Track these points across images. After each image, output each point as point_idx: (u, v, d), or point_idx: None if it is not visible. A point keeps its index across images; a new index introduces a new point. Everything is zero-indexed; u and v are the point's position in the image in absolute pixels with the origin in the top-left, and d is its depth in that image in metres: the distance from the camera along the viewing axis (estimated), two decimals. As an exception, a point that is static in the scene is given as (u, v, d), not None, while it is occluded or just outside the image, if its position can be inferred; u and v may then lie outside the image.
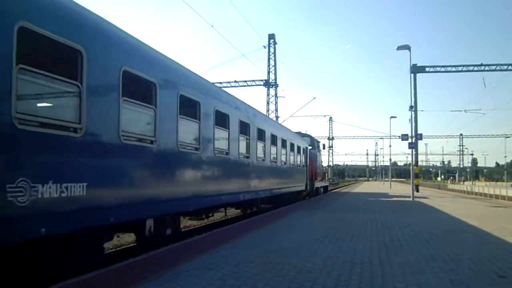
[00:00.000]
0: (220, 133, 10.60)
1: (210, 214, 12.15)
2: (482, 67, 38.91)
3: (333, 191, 39.45)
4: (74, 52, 5.25)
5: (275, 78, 44.54)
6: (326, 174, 41.87)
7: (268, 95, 44.94)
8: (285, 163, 18.34)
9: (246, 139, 12.76)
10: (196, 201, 9.05)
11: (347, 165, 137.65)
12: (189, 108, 8.70)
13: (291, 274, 5.17)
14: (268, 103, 44.99)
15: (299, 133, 24.83)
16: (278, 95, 45.05)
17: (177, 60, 8.74)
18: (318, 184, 27.24)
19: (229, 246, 7.19)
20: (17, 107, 4.34)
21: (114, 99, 6.13)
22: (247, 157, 12.76)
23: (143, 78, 6.94)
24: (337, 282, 4.85)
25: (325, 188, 33.10)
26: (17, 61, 4.32)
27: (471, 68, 39.40)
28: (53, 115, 5.13)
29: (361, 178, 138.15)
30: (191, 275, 5.10)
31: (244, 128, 12.42)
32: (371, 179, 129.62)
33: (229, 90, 40.77)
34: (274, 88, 44.73)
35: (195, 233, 11.22)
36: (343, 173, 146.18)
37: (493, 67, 39.00)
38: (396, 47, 24.77)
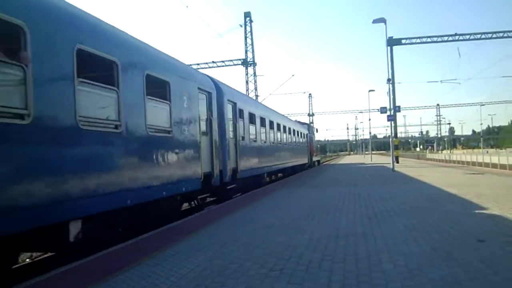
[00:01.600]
0: (261, 129, 17.38)
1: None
2: (457, 37, 39.30)
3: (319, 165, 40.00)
4: None
5: (253, 57, 44.19)
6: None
7: (246, 74, 44.64)
8: (295, 146, 27.05)
9: (277, 132, 20.94)
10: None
11: (328, 140, 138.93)
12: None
13: (278, 251, 5.23)
14: (247, 82, 44.74)
15: (299, 122, 36.07)
16: (256, 74, 44.82)
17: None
18: (315, 158, 38.96)
19: (214, 227, 7.22)
20: None
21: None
22: (279, 143, 21.43)
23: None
24: (323, 256, 4.93)
25: (318, 161, 44.33)
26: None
27: (445, 38, 39.76)
28: None
29: (343, 153, 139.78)
30: (178, 257, 5.12)
31: (270, 124, 19.34)
32: (352, 153, 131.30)
33: (207, 71, 40.37)
34: (252, 67, 44.43)
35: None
36: (324, 148, 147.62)
37: (467, 37, 39.43)
38: (371, 20, 24.80)
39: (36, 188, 4.94)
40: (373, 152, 75.41)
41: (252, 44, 43.92)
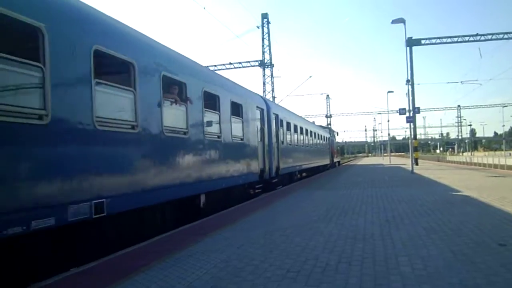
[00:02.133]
0: (294, 135, 20.69)
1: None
2: (478, 37, 38.58)
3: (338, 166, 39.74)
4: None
5: (270, 58, 44.18)
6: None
7: (264, 75, 44.68)
8: (320, 148, 30.74)
9: (306, 135, 24.41)
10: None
11: (345, 142, 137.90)
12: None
13: (295, 253, 5.23)
14: (264, 83, 44.76)
15: (322, 127, 40.20)
16: (274, 75, 44.83)
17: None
18: (335, 159, 43.03)
19: (231, 228, 7.25)
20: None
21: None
22: (307, 146, 24.68)
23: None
24: (339, 258, 4.90)
25: (339, 162, 48.16)
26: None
27: (466, 38, 39.08)
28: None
29: (360, 154, 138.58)
30: (193, 259, 5.15)
31: (301, 130, 22.73)
32: (370, 155, 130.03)
33: (225, 73, 40.62)
34: (269, 68, 44.43)
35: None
36: (342, 150, 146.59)
37: (489, 37, 38.67)
38: (390, 21, 24.57)
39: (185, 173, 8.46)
40: (392, 154, 74.44)
41: (269, 45, 43.94)
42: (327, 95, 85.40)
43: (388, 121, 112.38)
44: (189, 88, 8.78)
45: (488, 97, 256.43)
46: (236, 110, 11.84)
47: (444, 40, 39.51)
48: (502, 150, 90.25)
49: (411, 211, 8.56)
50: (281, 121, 17.54)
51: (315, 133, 28.46)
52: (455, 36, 39.59)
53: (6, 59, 4.41)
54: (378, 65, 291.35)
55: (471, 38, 38.85)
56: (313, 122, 38.94)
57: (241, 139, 12.07)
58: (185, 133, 8.51)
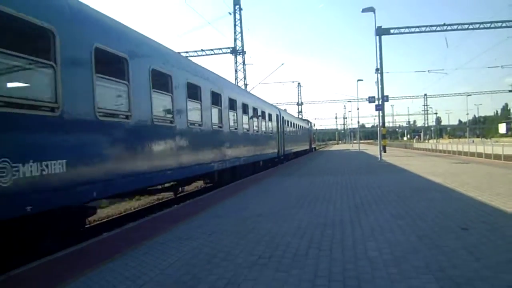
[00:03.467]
0: (290, 128, 30.59)
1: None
2: (445, 27, 39.52)
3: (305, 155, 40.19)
4: None
5: (242, 45, 43.91)
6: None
7: (235, 63, 44.41)
8: (304, 137, 41.13)
9: (296, 128, 33.85)
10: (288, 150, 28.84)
11: (316, 129, 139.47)
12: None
13: (266, 240, 5.29)
14: (236, 71, 44.51)
15: (304, 120, 51.33)
16: (246, 63, 44.63)
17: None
18: (313, 146, 54.53)
19: (203, 216, 7.25)
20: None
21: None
22: (298, 135, 34.76)
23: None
24: (309, 244, 4.99)
25: (315, 148, 58.83)
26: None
27: (434, 28, 39.94)
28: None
29: (331, 142, 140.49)
30: (166, 246, 5.14)
31: (293, 125, 32.65)
32: (340, 142, 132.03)
33: (197, 59, 40.16)
34: (241, 55, 44.18)
35: (168, 205, 11.27)
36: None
37: (455, 27, 39.68)
38: (361, 10, 24.80)
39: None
40: (361, 141, 75.93)
41: (241, 32, 43.62)
42: (299, 83, 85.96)
43: (358, 109, 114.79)
44: (251, 108, 17.55)
45: (454, 86, 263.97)
46: (268, 117, 21.61)
47: (412, 29, 40.24)
48: (466, 137, 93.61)
49: (379, 197, 8.78)
50: (283, 120, 26.82)
51: (301, 126, 38.93)
52: (423, 26, 40.38)
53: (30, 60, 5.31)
54: (348, 53, 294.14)
55: (438, 28, 39.74)
56: (300, 117, 54.01)
57: (271, 132, 22.46)
58: (248, 130, 16.88)
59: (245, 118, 16.49)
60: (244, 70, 44.61)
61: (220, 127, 13.01)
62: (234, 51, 44.09)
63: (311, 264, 4.19)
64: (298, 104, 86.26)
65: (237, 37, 43.74)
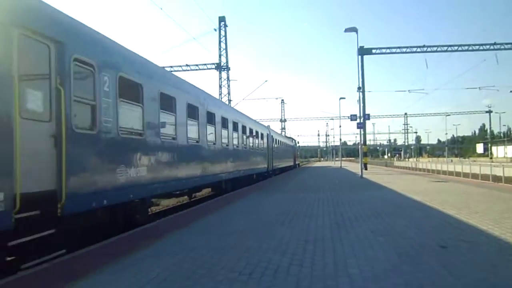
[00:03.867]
0: (277, 145, 34.04)
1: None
2: (425, 48, 40.69)
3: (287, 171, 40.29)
4: None
5: (227, 61, 44.25)
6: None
7: (220, 78, 44.63)
8: (289, 154, 45.30)
9: (282, 146, 38.33)
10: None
11: (299, 146, 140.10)
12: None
13: (247, 256, 5.25)
14: (220, 86, 44.72)
15: (289, 138, 54.62)
16: (230, 79, 44.92)
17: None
18: (297, 162, 56.76)
19: (185, 231, 7.17)
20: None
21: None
22: (284, 153, 38.84)
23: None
24: (291, 261, 4.98)
25: (299, 164, 60.43)
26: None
27: (414, 49, 41.10)
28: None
29: (313, 159, 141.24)
30: (146, 262, 5.05)
31: (280, 143, 36.11)
32: (322, 159, 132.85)
33: (181, 74, 40.19)
34: (226, 71, 44.46)
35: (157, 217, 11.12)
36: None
37: (435, 48, 40.89)
38: (344, 30, 25.32)
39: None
40: (343, 158, 76.61)
41: (226, 48, 44.00)
42: (282, 100, 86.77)
43: (340, 126, 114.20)
44: (248, 129, 20.55)
45: (434, 106, 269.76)
46: (255, 136, 22.90)
47: (394, 50, 41.28)
48: (444, 156, 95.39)
49: (360, 214, 8.84)
50: (272, 138, 29.82)
51: (287, 144, 43.44)
52: (404, 47, 41.51)
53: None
54: (332, 71, 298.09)
55: (418, 49, 40.89)
56: (284, 134, 56.12)
57: (262, 150, 25.21)
58: (245, 146, 19.93)
59: (244, 138, 19.71)
60: (229, 86, 44.88)
61: (227, 145, 15.97)
62: (218, 67, 44.34)
63: (292, 281, 4.17)
64: (281, 120, 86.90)
65: (222, 53, 44.06)
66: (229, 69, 44.53)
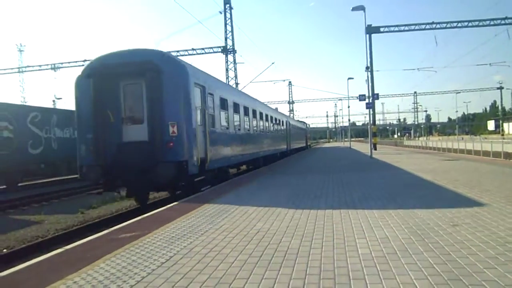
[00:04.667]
0: (293, 130, 38.67)
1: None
2: (434, 25, 39.81)
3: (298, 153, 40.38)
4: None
5: (233, 44, 43.83)
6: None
7: (226, 61, 44.34)
8: (301, 137, 48.87)
9: (296, 130, 42.79)
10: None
11: (309, 128, 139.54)
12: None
13: (257, 238, 5.28)
14: (227, 69, 44.43)
15: (302, 122, 60.92)
16: (236, 62, 44.61)
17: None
18: (308, 143, 63.76)
19: (195, 215, 7.22)
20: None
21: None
22: (298, 134, 45.10)
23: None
24: (301, 242, 5.00)
25: (310, 145, 67.59)
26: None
27: (423, 26, 40.23)
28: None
29: (322, 140, 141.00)
30: (158, 246, 5.10)
31: (294, 127, 40.30)
32: (331, 140, 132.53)
33: (187, 59, 40.20)
34: (232, 54, 44.13)
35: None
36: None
37: (444, 25, 39.99)
38: (351, 8, 24.89)
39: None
40: (352, 139, 76.37)
41: (232, 31, 43.53)
42: (290, 82, 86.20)
43: (349, 107, 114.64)
44: (274, 119, 27.15)
45: (443, 84, 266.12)
46: (282, 123, 30.65)
47: (402, 28, 40.45)
48: (455, 134, 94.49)
49: (370, 194, 8.82)
50: (290, 124, 35.73)
51: (300, 127, 48.98)
52: (412, 24, 40.66)
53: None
54: (339, 52, 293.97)
55: (427, 26, 40.03)
56: (300, 120, 62.82)
57: (283, 134, 30.85)
58: (275, 121, 27.15)
59: (272, 126, 26.07)
60: (235, 69, 44.56)
61: (262, 132, 22.03)
62: (225, 50, 44.02)
63: (302, 262, 4.19)
64: (289, 102, 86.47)
65: (228, 36, 43.65)
66: (236, 52, 44.21)
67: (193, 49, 45.74)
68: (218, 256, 4.55)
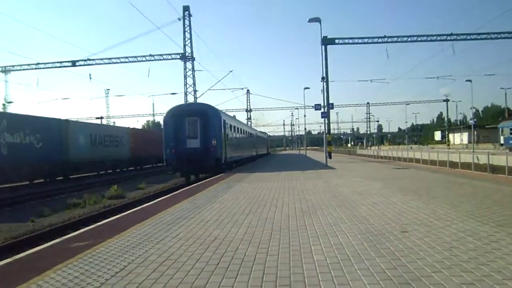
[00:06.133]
0: (258, 140, 51.89)
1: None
2: (385, 39, 41.56)
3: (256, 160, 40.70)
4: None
5: (192, 52, 43.73)
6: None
7: (185, 69, 44.08)
8: (264, 145, 63.36)
9: (249, 137, 39.87)
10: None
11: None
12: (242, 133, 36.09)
13: (214, 246, 5.26)
14: (185, 77, 44.17)
15: (263, 132, 71.69)
16: (195, 69, 44.45)
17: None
18: (269, 150, 78.27)
19: (150, 223, 7.09)
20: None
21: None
22: (262, 143, 57.78)
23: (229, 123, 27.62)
24: (258, 249, 5.03)
25: (270, 152, 78.24)
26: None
27: (375, 40, 41.89)
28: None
29: (279, 148, 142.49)
30: (111, 255, 4.96)
31: (259, 137, 52.60)
32: (287, 148, 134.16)
33: (145, 64, 39.81)
34: (191, 62, 43.93)
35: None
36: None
37: (395, 39, 41.84)
38: (307, 20, 25.50)
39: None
40: (308, 147, 77.81)
41: (190, 38, 43.42)
42: (247, 90, 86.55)
43: (305, 116, 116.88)
44: (256, 136, 47.33)
45: (394, 95, 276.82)
46: (264, 137, 65.30)
47: (356, 40, 41.94)
48: (404, 144, 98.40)
49: (323, 202, 9.02)
50: (257, 135, 46.15)
51: (263, 137, 60.80)
52: (366, 37, 42.26)
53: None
54: (296, 62, 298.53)
55: (380, 40, 41.73)
56: (262, 131, 72.30)
57: (265, 143, 64.67)
58: (250, 135, 40.39)
59: (250, 138, 38.56)
60: (194, 76, 44.39)
61: (246, 142, 33.76)
62: (183, 57, 43.73)
63: (259, 269, 4.21)
64: (247, 110, 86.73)
65: (187, 43, 43.45)
66: (194, 60, 44.07)
67: (151, 55, 45.25)
68: (175, 264, 4.49)
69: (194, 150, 20.63)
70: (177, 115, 21.41)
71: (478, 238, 5.24)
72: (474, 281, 3.64)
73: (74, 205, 14.18)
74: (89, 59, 45.78)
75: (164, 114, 23.05)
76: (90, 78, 48.98)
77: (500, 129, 47.00)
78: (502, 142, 45.52)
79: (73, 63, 45.79)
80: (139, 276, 4.09)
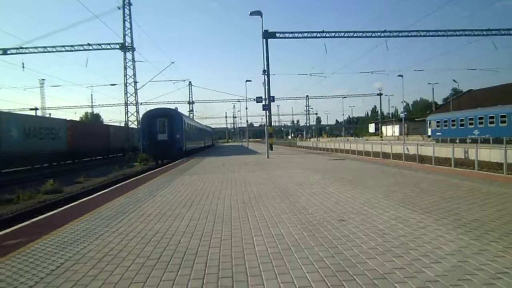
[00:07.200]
0: (203, 133, 57.18)
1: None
2: (324, 34, 42.69)
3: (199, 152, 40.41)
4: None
5: (132, 42, 42.44)
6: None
7: (125, 59, 42.62)
8: (209, 137, 70.38)
9: (200, 131, 49.93)
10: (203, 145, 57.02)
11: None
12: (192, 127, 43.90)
13: (155, 240, 5.20)
14: (125, 67, 42.75)
15: (209, 127, 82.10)
16: (135, 60, 43.15)
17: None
18: (214, 142, 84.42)
19: (89, 218, 6.84)
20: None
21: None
22: (207, 136, 62.83)
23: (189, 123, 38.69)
24: (200, 242, 5.04)
25: (214, 144, 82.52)
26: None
27: (314, 34, 42.89)
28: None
29: (221, 140, 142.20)
30: (47, 252, 4.74)
31: (199, 130, 50.10)
32: (230, 140, 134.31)
33: (83, 53, 37.92)
34: (131, 52, 42.55)
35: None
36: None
37: (333, 34, 43.12)
38: (249, 13, 25.56)
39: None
40: (250, 140, 78.59)
41: (130, 28, 42.05)
42: (190, 82, 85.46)
43: (246, 108, 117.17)
44: (205, 130, 58.47)
45: (332, 89, 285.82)
46: (209, 129, 72.56)
47: (296, 34, 42.72)
48: (341, 136, 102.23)
49: (265, 193, 9.19)
50: (204, 129, 57.02)
51: (208, 131, 67.28)
52: (305, 32, 43.12)
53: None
54: (240, 54, 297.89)
55: (318, 35, 42.79)
56: (208, 126, 78.83)
57: (210, 136, 72.92)
58: (200, 130, 50.68)
59: (201, 132, 48.17)
60: (134, 67, 43.09)
61: (198, 135, 44.12)
62: (123, 47, 42.24)
63: (201, 262, 4.23)
64: (189, 103, 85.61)
65: (127, 33, 42.01)
66: (134, 50, 42.73)
67: (89, 44, 43.39)
68: (114, 260, 4.38)
69: (164, 141, 28.96)
70: (151, 116, 30.10)
71: (408, 225, 5.61)
72: (405, 265, 3.91)
73: (7, 201, 13.32)
74: (21, 47, 42.99)
75: (141, 116, 35.49)
76: (23, 67, 45.94)
77: (428, 121, 50.12)
78: (429, 134, 48.66)
79: (4, 51, 42.69)
80: (77, 274, 3.96)
